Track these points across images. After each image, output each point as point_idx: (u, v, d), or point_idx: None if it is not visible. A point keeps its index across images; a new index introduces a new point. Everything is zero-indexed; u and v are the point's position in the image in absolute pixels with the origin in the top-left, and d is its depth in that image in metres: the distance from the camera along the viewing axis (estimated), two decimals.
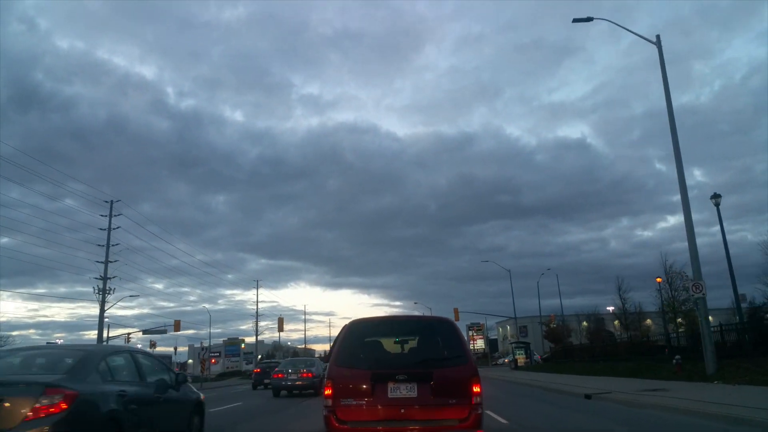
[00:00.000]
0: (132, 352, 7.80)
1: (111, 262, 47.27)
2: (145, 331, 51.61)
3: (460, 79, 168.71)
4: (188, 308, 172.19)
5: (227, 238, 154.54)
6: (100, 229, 47.58)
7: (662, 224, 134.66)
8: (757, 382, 15.63)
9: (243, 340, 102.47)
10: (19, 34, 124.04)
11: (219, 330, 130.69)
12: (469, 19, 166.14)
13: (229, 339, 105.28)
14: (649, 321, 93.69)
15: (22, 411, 5.25)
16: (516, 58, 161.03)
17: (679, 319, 38.10)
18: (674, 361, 21.76)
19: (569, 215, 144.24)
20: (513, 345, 55.01)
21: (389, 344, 7.15)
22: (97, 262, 47.03)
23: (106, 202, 47.83)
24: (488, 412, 11.37)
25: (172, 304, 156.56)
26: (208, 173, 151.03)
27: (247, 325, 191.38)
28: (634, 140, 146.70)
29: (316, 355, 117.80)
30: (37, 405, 5.29)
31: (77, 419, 5.50)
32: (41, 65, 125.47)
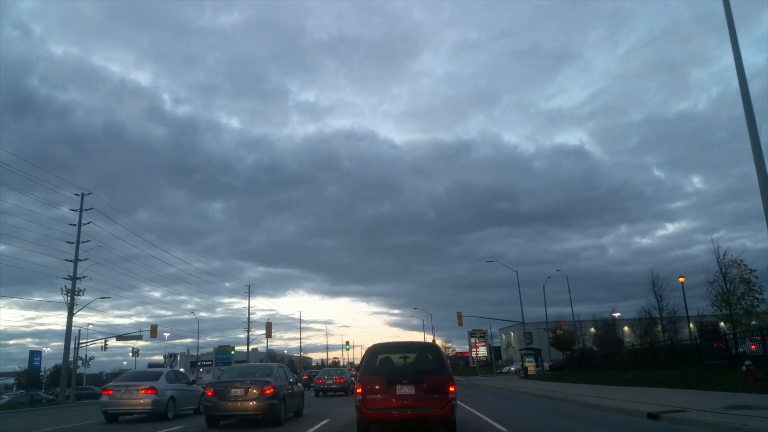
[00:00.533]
0: (282, 366, 16.24)
1: (81, 260, 42.85)
2: (119, 337, 47.12)
3: (457, 86, 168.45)
4: (186, 317, 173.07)
5: (225, 246, 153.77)
6: (70, 224, 43.23)
7: (661, 232, 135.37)
8: None
9: (233, 348, 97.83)
10: (12, 40, 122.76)
11: (217, 339, 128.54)
12: (466, 25, 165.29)
13: (219, 347, 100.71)
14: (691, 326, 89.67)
15: (256, 392, 13.14)
16: (513, 64, 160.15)
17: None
18: (744, 368, 17.36)
19: (567, 222, 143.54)
20: (522, 352, 50.53)
21: (396, 360, 10.96)
22: (66, 260, 42.62)
23: (77, 195, 43.55)
24: None
25: (169, 312, 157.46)
26: (204, 180, 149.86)
27: (245, 334, 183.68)
28: (632, 147, 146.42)
29: (313, 364, 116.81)
30: (263, 389, 13.21)
31: (275, 396, 13.34)
32: (36, 71, 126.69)
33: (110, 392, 16.29)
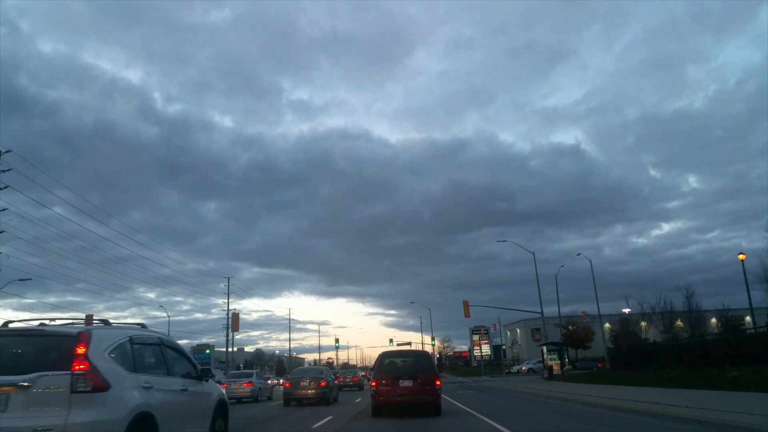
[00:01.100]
0: (328, 369, 27.14)
1: None
2: None
3: (451, 84, 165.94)
4: (181, 318, 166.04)
5: (220, 246, 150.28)
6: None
7: (657, 231, 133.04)
8: None
9: (211, 347, 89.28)
10: None
11: (213, 340, 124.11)
12: (461, 22, 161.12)
13: (197, 346, 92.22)
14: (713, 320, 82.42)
15: (315, 384, 21.89)
16: (508, 62, 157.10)
17: None
18: None
19: (564, 222, 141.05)
20: (545, 347, 42.08)
21: (399, 362, 15.67)
22: None
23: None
24: None
25: (164, 314, 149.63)
26: (198, 180, 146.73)
27: (240, 335, 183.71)
28: (627, 146, 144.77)
29: (305, 364, 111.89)
30: (320, 382, 21.93)
31: (326, 387, 22.04)
32: (24, 69, 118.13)
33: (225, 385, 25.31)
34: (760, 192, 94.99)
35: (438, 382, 14.48)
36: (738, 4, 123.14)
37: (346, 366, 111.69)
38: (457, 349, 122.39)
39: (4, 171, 34.46)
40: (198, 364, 7.90)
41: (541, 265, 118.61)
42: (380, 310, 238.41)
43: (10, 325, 5.96)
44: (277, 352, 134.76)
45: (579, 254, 46.21)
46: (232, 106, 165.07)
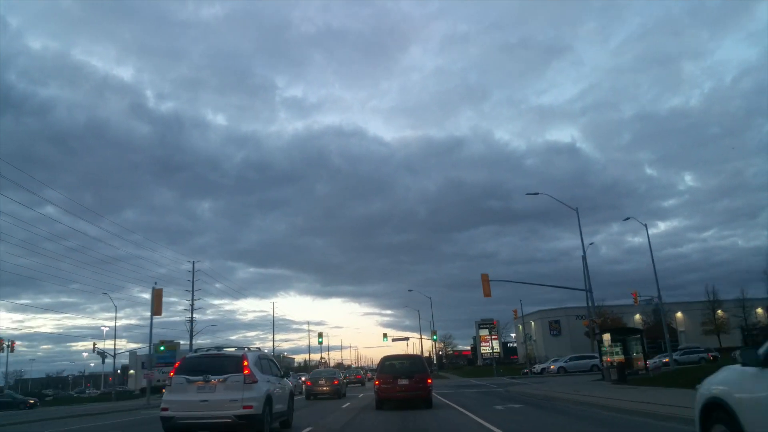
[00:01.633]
0: (340, 370, 39.15)
1: None
2: None
3: (446, 81, 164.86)
4: (176, 318, 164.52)
5: (215, 245, 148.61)
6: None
7: (652, 230, 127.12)
8: None
9: (177, 344, 76.18)
10: None
11: (208, 341, 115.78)
12: (455, 17, 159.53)
13: (162, 341, 78.80)
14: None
15: (329, 382, 27.65)
16: (503, 58, 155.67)
17: None
18: None
19: (560, 221, 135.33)
20: (608, 335, 28.92)
21: (397, 364, 18.25)
22: None
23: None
24: None
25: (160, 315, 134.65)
26: (192, 178, 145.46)
27: (237, 336, 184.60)
28: (623, 144, 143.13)
29: (295, 364, 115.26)
30: (334, 381, 27.78)
31: (339, 384, 28.15)
32: (14, 66, 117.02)
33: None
34: (757, 190, 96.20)
35: (429, 381, 17.66)
36: (734, 1, 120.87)
37: (339, 366, 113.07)
38: (456, 348, 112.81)
39: None
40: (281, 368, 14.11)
41: (539, 264, 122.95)
42: (377, 310, 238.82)
43: (207, 352, 11.57)
44: (267, 351, 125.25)
45: (592, 243, 34.06)
46: (226, 104, 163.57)
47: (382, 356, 19.90)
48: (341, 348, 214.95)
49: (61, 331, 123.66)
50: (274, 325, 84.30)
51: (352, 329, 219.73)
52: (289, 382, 14.07)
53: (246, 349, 11.63)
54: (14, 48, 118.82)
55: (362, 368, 76.85)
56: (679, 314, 78.41)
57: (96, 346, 63.05)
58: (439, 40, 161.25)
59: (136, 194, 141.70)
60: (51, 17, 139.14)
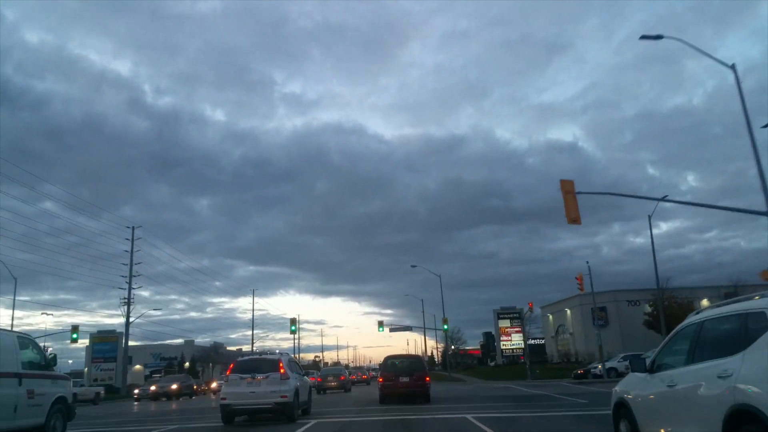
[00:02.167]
0: (348, 367, 63.46)
1: None
2: None
3: (446, 78, 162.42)
4: (176, 317, 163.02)
5: (213, 243, 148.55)
6: None
7: (654, 231, 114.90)
8: None
9: (119, 335, 62.99)
10: None
11: (207, 339, 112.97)
12: (456, 13, 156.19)
13: (98, 333, 64.87)
14: None
15: (337, 378, 34.98)
16: (504, 55, 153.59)
17: None
18: None
19: (561, 221, 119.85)
20: None
21: (399, 363, 20.93)
22: None
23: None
24: None
25: (158, 313, 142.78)
26: (190, 175, 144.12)
27: (237, 334, 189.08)
28: (625, 143, 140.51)
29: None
30: (340, 377, 35.26)
31: (345, 380, 35.79)
32: (9, 60, 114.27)
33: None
34: (759, 190, 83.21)
35: (428, 379, 20.06)
36: None
37: (337, 365, 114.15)
38: (462, 347, 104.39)
39: None
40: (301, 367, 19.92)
41: (538, 264, 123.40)
42: (376, 310, 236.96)
43: (251, 356, 16.34)
44: (255, 349, 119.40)
45: (766, 125, 19.45)
46: (224, 99, 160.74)
47: (384, 356, 22.85)
48: (337, 348, 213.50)
49: (61, 328, 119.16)
50: (253, 319, 73.21)
51: (352, 328, 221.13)
52: (308, 379, 18.68)
53: (279, 354, 15.89)
54: (10, 41, 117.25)
55: (361, 368, 76.69)
56: (705, 301, 66.40)
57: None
58: (439, 36, 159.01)
59: (134, 190, 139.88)
60: (47, 10, 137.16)
